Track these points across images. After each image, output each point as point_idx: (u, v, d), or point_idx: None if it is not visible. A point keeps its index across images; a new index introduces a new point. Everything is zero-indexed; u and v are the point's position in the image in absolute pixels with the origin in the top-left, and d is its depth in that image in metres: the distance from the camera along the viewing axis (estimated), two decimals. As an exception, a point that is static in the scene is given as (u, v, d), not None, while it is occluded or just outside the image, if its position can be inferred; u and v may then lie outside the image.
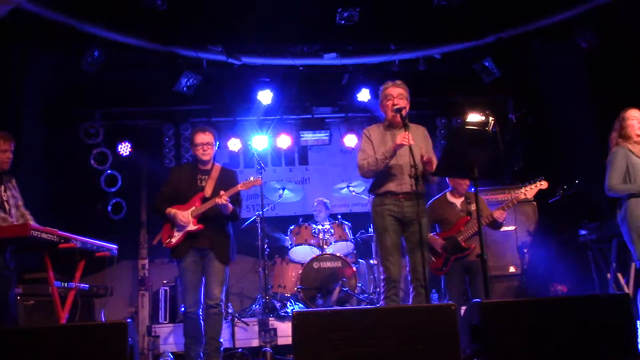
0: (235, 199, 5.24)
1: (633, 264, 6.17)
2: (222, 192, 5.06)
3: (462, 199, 6.20)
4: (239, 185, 5.18)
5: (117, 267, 6.19)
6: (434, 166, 4.79)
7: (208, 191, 5.20)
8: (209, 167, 5.36)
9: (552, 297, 6.69)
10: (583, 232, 6.26)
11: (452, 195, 6.21)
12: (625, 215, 5.18)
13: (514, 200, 5.90)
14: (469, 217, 6.04)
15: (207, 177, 5.29)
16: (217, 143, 5.44)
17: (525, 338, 3.59)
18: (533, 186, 5.78)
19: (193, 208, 5.14)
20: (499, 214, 5.84)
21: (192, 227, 5.11)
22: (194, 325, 5.12)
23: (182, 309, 5.30)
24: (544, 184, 5.78)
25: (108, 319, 6.49)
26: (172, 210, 5.15)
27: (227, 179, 5.35)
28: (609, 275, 6.17)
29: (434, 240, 6.02)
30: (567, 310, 3.72)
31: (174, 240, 5.15)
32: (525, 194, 5.81)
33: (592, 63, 7.43)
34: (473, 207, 6.17)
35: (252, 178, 5.28)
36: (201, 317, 5.13)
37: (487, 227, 6.06)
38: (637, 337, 3.64)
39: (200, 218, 5.13)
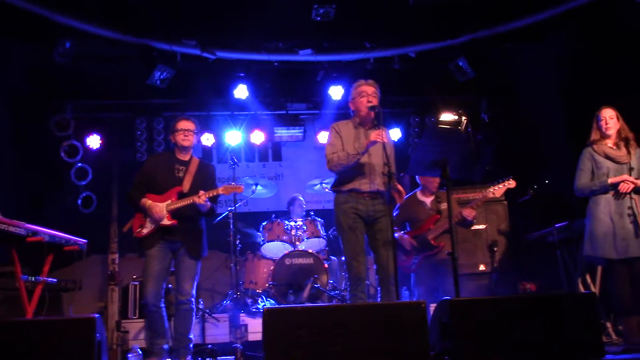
0: (214, 197, 5.18)
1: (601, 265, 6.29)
2: (201, 192, 4.97)
3: (432, 197, 6.26)
4: (220, 189, 5.08)
5: (86, 261, 6.11)
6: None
7: (186, 186, 5.11)
8: (187, 157, 5.27)
9: (520, 295, 6.78)
10: (552, 231, 6.34)
11: (423, 194, 6.26)
12: (586, 213, 5.29)
13: (483, 199, 5.96)
14: (438, 216, 6.09)
15: (184, 168, 5.20)
16: (197, 136, 5.38)
17: (494, 336, 3.63)
18: (501, 185, 5.85)
19: (169, 202, 5.04)
20: (467, 212, 5.89)
21: (166, 222, 5.01)
22: (154, 318, 4.99)
23: (143, 301, 5.11)
24: (512, 183, 5.85)
25: (77, 313, 6.41)
26: (147, 202, 5.04)
27: (205, 174, 5.28)
28: (576, 274, 6.27)
29: (402, 239, 6.06)
30: (535, 309, 3.77)
31: (145, 230, 5.05)
32: (493, 193, 5.88)
33: (565, 64, 7.54)
34: (443, 205, 6.23)
35: (234, 184, 5.23)
36: (163, 310, 5.02)
37: (458, 225, 6.12)
38: (602, 335, 3.70)
39: (174, 213, 5.05)
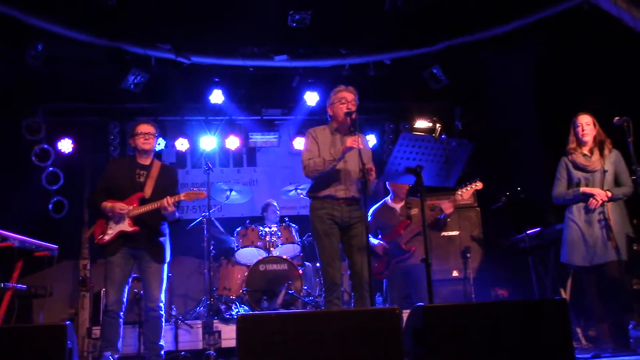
0: (176, 203, 5.09)
1: (571, 271, 6.39)
2: (168, 198, 4.90)
3: (403, 203, 6.33)
4: (182, 195, 5.00)
5: (57, 267, 6.04)
6: (374, 175, 4.82)
7: (147, 191, 5.04)
8: (148, 162, 5.18)
9: (493, 301, 6.84)
10: (524, 238, 6.42)
11: (393, 200, 6.32)
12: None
13: (453, 201, 6.03)
14: (408, 221, 6.16)
15: (145, 172, 5.12)
16: (158, 140, 5.31)
17: (468, 342, 3.64)
18: (469, 187, 5.95)
19: (131, 207, 4.97)
20: (446, 206, 5.94)
21: (127, 227, 4.94)
22: (112, 326, 4.90)
23: (105, 307, 5.01)
24: (479, 185, 5.95)
25: (47, 320, 6.32)
26: (108, 205, 4.95)
27: (167, 178, 5.20)
28: (548, 280, 6.35)
29: (375, 245, 6.10)
30: (507, 315, 3.79)
31: (106, 237, 4.96)
32: (461, 196, 5.96)
33: (538, 73, 7.66)
34: (413, 211, 6.31)
35: (195, 189, 5.13)
36: (122, 319, 4.96)
37: (431, 229, 6.19)
38: (572, 341, 3.75)
39: (136, 219, 4.97)
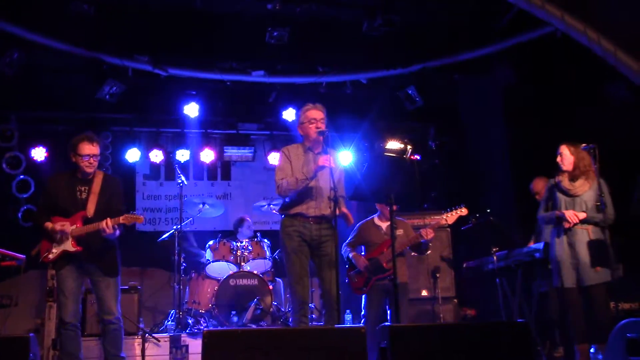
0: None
1: (536, 293, 6.49)
2: (108, 220, 4.72)
3: (389, 222, 6.36)
4: (120, 218, 4.75)
5: (24, 276, 5.97)
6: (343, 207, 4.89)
7: (90, 210, 4.87)
8: (89, 176, 4.99)
9: (458, 322, 6.92)
10: (492, 259, 6.51)
11: (379, 219, 6.37)
12: None
13: (435, 225, 6.12)
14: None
15: (87, 188, 4.94)
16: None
17: (431, 362, 3.69)
18: (454, 212, 6.04)
19: (74, 227, 4.83)
20: (425, 232, 6.00)
21: (70, 247, 4.81)
22: (71, 338, 4.82)
23: (61, 321, 4.91)
24: (464, 211, 6.04)
25: (12, 330, 6.23)
26: (49, 225, 4.83)
27: (110, 191, 5.02)
28: (514, 301, 6.43)
29: (357, 259, 6.14)
30: (472, 336, 3.85)
31: (51, 256, 4.85)
32: (446, 220, 6.05)
33: (509, 97, 7.81)
34: (398, 231, 6.35)
35: (135, 214, 4.89)
36: (79, 330, 4.90)
37: (412, 251, 6.25)
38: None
39: (80, 238, 4.84)
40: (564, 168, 5.47)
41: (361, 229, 6.36)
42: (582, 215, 5.28)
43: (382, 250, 6.11)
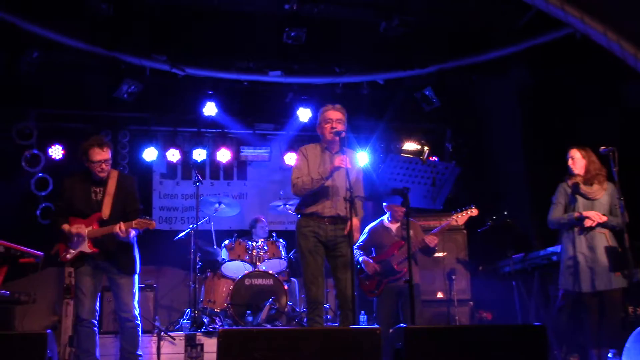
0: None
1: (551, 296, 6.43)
2: (122, 224, 4.78)
3: (398, 224, 6.34)
4: (132, 223, 4.80)
5: (42, 273, 6.00)
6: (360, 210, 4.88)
7: (105, 212, 4.91)
8: (104, 178, 5.02)
9: (474, 324, 6.88)
10: (509, 262, 6.46)
11: (389, 221, 6.34)
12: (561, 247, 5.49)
13: (446, 227, 6.09)
14: (403, 242, 6.17)
15: (102, 189, 4.98)
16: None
17: (447, 364, 3.67)
18: (464, 213, 6.00)
19: (90, 228, 4.88)
20: (430, 239, 5.99)
21: (86, 249, 4.87)
22: (87, 335, 4.88)
23: (77, 318, 4.99)
24: (474, 211, 5.99)
25: (30, 327, 6.28)
26: (66, 228, 4.89)
27: (125, 191, 5.05)
28: (530, 305, 6.39)
29: (367, 265, 6.13)
30: (488, 339, 3.82)
31: (68, 256, 4.93)
32: (456, 221, 6.03)
33: (526, 99, 7.76)
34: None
35: (147, 218, 4.89)
36: (96, 327, 4.95)
37: (421, 253, 6.22)
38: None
39: (97, 240, 4.89)
40: (576, 172, 5.45)
41: (371, 232, 6.36)
42: (605, 218, 5.23)
43: (393, 252, 6.10)
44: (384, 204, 6.32)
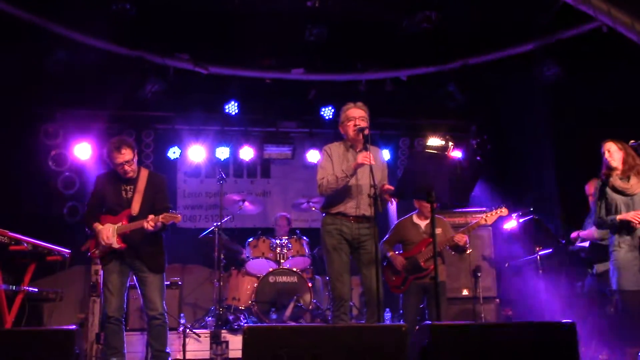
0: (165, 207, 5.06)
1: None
2: (150, 217, 4.84)
3: (427, 221, 6.30)
4: (159, 217, 4.85)
5: (69, 271, 6.09)
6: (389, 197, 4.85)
7: (135, 208, 4.97)
8: (133, 176, 5.08)
9: (500, 322, 6.80)
10: (535, 258, 6.38)
11: (418, 217, 6.30)
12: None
13: (475, 225, 6.03)
14: (431, 239, 6.12)
15: (132, 187, 5.04)
16: (137, 152, 5.09)
17: (473, 361, 3.63)
18: (494, 212, 5.93)
19: (119, 224, 4.94)
20: (459, 237, 5.95)
21: (115, 245, 4.91)
22: (115, 333, 4.91)
23: (104, 316, 5.02)
24: (504, 211, 5.92)
25: (57, 324, 6.35)
26: (97, 227, 4.93)
27: (155, 189, 5.11)
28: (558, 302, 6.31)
29: (394, 258, 6.09)
30: (515, 336, 3.78)
31: (97, 252, 4.98)
32: (485, 220, 5.95)
33: (553, 94, 7.65)
34: (437, 230, 6.28)
35: (173, 212, 4.96)
36: (123, 325, 4.99)
37: (453, 250, 6.17)
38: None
39: (125, 236, 4.94)
40: (614, 165, 5.21)
41: (399, 227, 6.31)
42: None
43: (421, 249, 6.05)
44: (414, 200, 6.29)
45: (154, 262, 5.03)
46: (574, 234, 6.11)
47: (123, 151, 4.93)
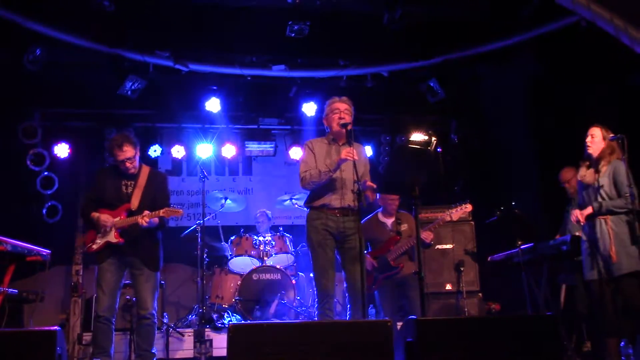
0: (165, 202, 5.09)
1: (563, 286, 6.39)
2: (145, 213, 4.87)
3: (393, 219, 6.33)
4: (160, 211, 4.90)
5: (49, 272, 6.01)
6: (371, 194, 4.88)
7: (134, 203, 4.98)
8: (135, 170, 5.11)
9: (485, 315, 6.85)
10: (517, 252, 6.42)
11: (383, 215, 6.33)
12: None
13: (441, 222, 6.06)
14: (398, 237, 6.18)
15: (132, 182, 5.06)
16: (138, 148, 5.12)
17: (459, 356, 3.65)
18: (458, 209, 5.98)
19: (117, 219, 4.94)
20: (425, 235, 5.98)
21: (113, 239, 4.91)
22: (103, 332, 4.86)
23: (95, 314, 4.99)
24: (468, 207, 5.98)
25: (38, 325, 6.28)
26: (95, 215, 4.94)
27: (155, 185, 5.14)
28: (540, 295, 6.35)
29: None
30: (499, 329, 3.80)
31: (94, 246, 4.95)
32: (450, 216, 5.99)
33: (533, 88, 7.71)
34: (403, 227, 6.33)
35: (174, 207, 5.01)
36: (113, 325, 4.94)
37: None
38: (562, 356, 3.75)
39: (123, 230, 4.94)
40: (590, 151, 5.19)
41: (365, 227, 6.29)
42: (588, 212, 5.08)
43: (389, 247, 6.08)
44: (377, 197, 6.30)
45: (151, 259, 5.02)
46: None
47: (125, 148, 4.96)
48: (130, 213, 4.97)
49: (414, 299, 6.01)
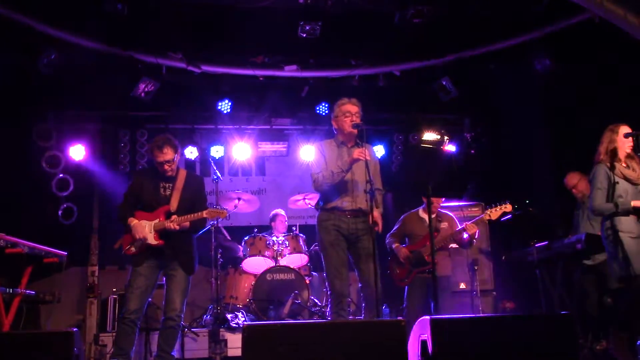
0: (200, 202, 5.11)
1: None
2: (173, 217, 4.88)
3: (434, 216, 6.31)
4: (203, 213, 4.94)
5: (65, 273, 6.06)
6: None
7: (173, 204, 4.99)
8: (173, 173, 5.12)
9: (500, 314, 6.82)
10: (532, 251, 6.39)
11: (424, 211, 6.31)
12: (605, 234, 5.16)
13: (480, 220, 6.04)
14: (436, 234, 6.15)
15: (170, 185, 5.07)
16: (179, 152, 5.14)
17: (473, 355, 3.64)
18: (498, 208, 5.95)
19: (156, 221, 4.94)
20: (470, 227, 5.95)
21: (152, 241, 4.91)
22: (126, 334, 4.84)
23: (121, 314, 4.98)
24: (508, 207, 5.93)
25: (55, 326, 6.34)
26: (132, 222, 4.92)
27: (193, 188, 5.15)
28: (555, 293, 6.32)
29: (399, 250, 6.13)
30: (514, 328, 3.79)
31: (134, 249, 4.95)
32: (489, 215, 5.96)
33: (547, 86, 7.66)
34: (442, 225, 6.31)
35: (218, 208, 5.08)
36: (137, 328, 4.93)
37: (457, 244, 6.18)
38: (578, 355, 3.73)
39: (162, 232, 4.93)
40: (627, 151, 5.10)
41: (405, 221, 6.34)
42: None
43: (425, 242, 6.07)
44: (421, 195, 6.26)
45: (187, 261, 5.03)
46: None
47: (165, 150, 4.97)
48: (169, 215, 4.96)
49: (441, 298, 5.98)
